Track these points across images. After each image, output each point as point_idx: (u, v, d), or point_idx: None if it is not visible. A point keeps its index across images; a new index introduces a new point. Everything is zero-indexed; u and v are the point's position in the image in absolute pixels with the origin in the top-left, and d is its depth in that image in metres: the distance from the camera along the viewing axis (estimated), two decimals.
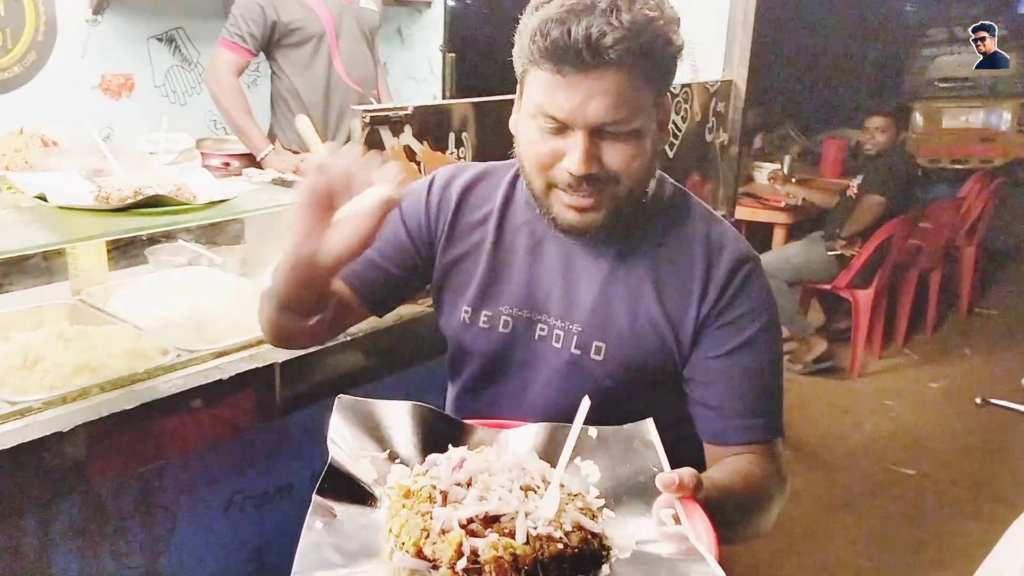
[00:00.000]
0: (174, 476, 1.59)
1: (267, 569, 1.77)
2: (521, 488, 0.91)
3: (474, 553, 0.82)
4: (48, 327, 1.63)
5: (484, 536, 0.84)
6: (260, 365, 1.61)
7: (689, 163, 2.80)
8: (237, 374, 1.58)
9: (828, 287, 4.47)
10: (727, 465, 1.14)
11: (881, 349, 4.72)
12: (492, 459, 0.97)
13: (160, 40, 3.80)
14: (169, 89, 3.87)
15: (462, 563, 0.82)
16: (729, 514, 1.00)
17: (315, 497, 0.91)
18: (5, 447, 1.31)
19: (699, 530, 0.89)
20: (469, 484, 0.91)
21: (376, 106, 1.84)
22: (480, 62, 3.67)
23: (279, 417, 1.67)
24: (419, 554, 0.84)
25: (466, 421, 1.10)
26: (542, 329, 1.21)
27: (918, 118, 6.82)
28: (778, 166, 5.22)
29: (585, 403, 0.96)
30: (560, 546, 0.85)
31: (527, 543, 0.84)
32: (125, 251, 2.01)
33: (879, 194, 4.27)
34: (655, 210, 1.21)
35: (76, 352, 1.53)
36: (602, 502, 0.97)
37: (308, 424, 1.72)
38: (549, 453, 1.02)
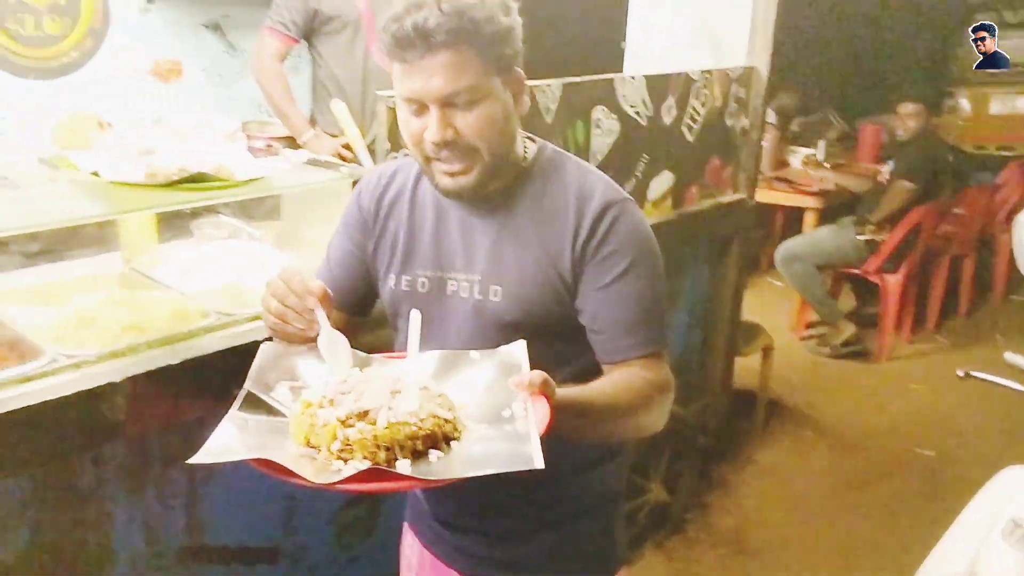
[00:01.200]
0: (214, 428, 1.74)
1: (296, 516, 1.93)
2: (391, 393, 1.11)
3: (346, 440, 1.05)
4: (101, 291, 1.79)
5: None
6: None
7: (709, 147, 2.89)
8: (270, 336, 1.73)
9: (858, 272, 4.51)
10: (607, 377, 1.34)
11: (911, 334, 4.75)
12: (373, 375, 1.18)
13: (208, 27, 3.97)
14: (216, 74, 4.04)
15: (336, 446, 1.05)
16: (601, 412, 1.24)
17: (230, 412, 1.17)
18: (63, 395, 1.48)
19: (539, 417, 1.08)
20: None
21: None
22: None
23: None
24: (307, 444, 1.07)
25: (373, 355, 1.32)
26: (452, 284, 1.40)
27: (964, 104, 6.76)
28: (813, 151, 5.25)
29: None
30: (414, 428, 1.06)
31: (386, 428, 1.05)
32: (172, 224, 2.17)
33: (909, 180, 4.29)
34: (533, 172, 1.40)
35: (126, 313, 1.69)
36: (466, 404, 1.18)
37: None
38: (440, 376, 1.24)
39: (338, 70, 3.30)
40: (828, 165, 5.17)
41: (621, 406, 1.28)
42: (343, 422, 1.07)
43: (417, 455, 1.06)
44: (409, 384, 1.13)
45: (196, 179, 1.69)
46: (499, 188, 1.36)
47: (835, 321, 4.52)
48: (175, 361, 1.61)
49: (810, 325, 4.75)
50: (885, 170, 4.49)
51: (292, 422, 1.14)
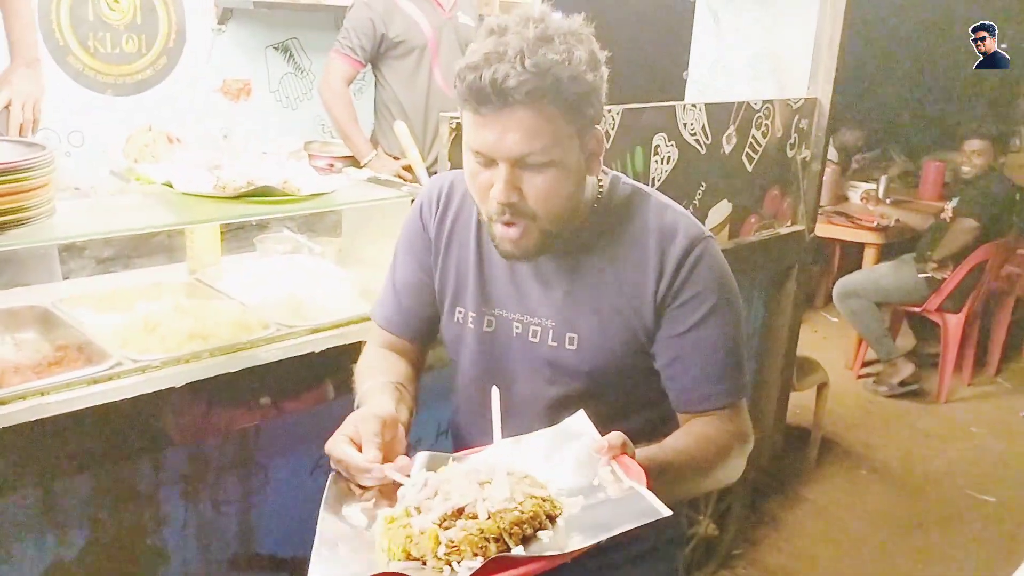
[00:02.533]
0: (268, 437, 1.77)
1: None
2: (479, 484, 1.07)
3: (451, 541, 0.99)
4: (166, 299, 1.85)
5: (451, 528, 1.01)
6: (348, 342, 1.78)
7: (769, 178, 2.87)
8: (327, 349, 1.76)
9: (918, 310, 4.42)
10: (686, 429, 1.29)
11: (972, 376, 4.64)
12: (452, 473, 1.12)
13: (276, 49, 4.10)
14: (283, 95, 4.15)
15: (442, 550, 0.99)
16: (681, 469, 1.18)
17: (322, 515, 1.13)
18: (127, 397, 1.52)
19: (634, 475, 1.05)
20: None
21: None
22: None
23: None
24: (408, 557, 1.01)
25: (443, 454, 1.23)
26: (518, 327, 1.35)
27: None
28: (873, 186, 5.19)
29: (495, 394, 1.20)
30: (516, 513, 1.01)
31: (488, 519, 1.00)
32: (236, 238, 2.23)
33: (973, 218, 4.21)
34: (612, 210, 1.33)
35: (190, 321, 1.73)
36: (548, 479, 1.12)
37: None
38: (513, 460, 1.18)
39: (402, 93, 3.37)
40: (888, 201, 5.10)
41: (701, 463, 1.22)
42: (441, 525, 1.02)
43: (526, 539, 1.02)
44: (497, 471, 1.08)
45: (263, 192, 1.74)
46: (571, 229, 1.29)
47: (893, 359, 4.43)
48: (234, 369, 1.65)
49: (867, 363, 4.66)
50: (948, 207, 4.40)
51: (381, 540, 1.06)
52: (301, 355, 1.73)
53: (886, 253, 4.73)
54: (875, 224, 4.72)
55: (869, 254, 4.76)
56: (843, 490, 3.51)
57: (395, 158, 3.30)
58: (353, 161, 3.25)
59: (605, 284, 1.30)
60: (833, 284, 4.60)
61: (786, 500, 3.38)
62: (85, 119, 3.45)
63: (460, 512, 1.03)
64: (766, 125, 2.77)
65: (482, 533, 0.99)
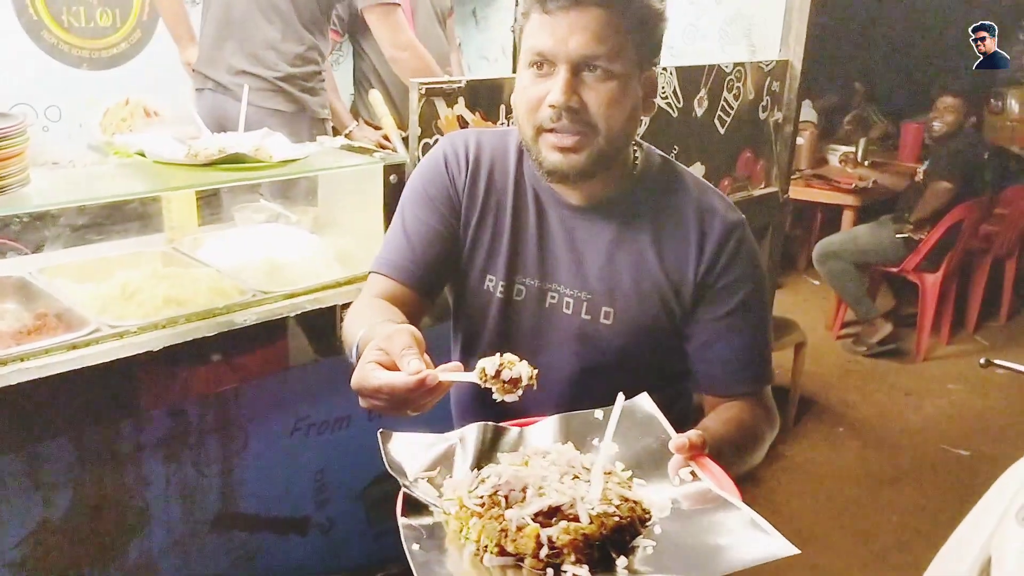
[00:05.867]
0: (248, 400, 1.81)
1: (326, 490, 1.99)
2: (572, 479, 1.03)
3: (550, 540, 0.93)
4: (144, 267, 1.88)
5: (551, 526, 0.95)
6: (323, 307, 1.82)
7: (741, 140, 2.90)
8: (303, 313, 1.80)
9: (896, 270, 4.48)
10: (721, 414, 1.26)
11: (950, 335, 4.70)
12: (533, 461, 1.07)
13: None
14: None
15: (544, 551, 0.93)
16: (726, 457, 1.12)
17: (401, 521, 0.99)
18: (105, 361, 1.55)
19: (720, 481, 1.03)
20: (524, 490, 1.02)
21: (431, 78, 2.02)
22: None
23: (338, 354, 1.87)
24: (502, 552, 0.95)
25: (497, 424, 1.17)
26: (552, 297, 1.30)
27: (1013, 104, 6.65)
28: (852, 149, 5.22)
29: (620, 398, 1.09)
30: (617, 519, 0.97)
31: (591, 523, 0.96)
32: (213, 208, 2.25)
33: (946, 179, 4.24)
34: (646, 180, 1.30)
35: (167, 288, 1.76)
36: (630, 473, 1.10)
37: None
38: (566, 440, 1.15)
39: (380, 63, 3.38)
40: (866, 163, 5.14)
41: (740, 449, 1.21)
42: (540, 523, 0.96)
43: (628, 549, 0.96)
44: (595, 470, 1.04)
45: (234, 160, 1.76)
46: (609, 195, 1.27)
47: (871, 319, 4.49)
48: (211, 334, 1.68)
49: (846, 324, 4.72)
50: (920, 170, 4.44)
51: (459, 525, 0.99)
52: (278, 319, 1.77)
53: (865, 215, 4.77)
54: (853, 186, 4.76)
55: (847, 216, 4.81)
56: (821, 447, 3.58)
57: (376, 128, 3.32)
58: (336, 132, 3.26)
59: (646, 258, 1.27)
60: (813, 247, 4.65)
61: (765, 457, 3.43)
62: (61, 94, 3.45)
63: (555, 511, 0.97)
64: (738, 88, 2.80)
65: (586, 538, 0.94)
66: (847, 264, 4.43)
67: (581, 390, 1.26)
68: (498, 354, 1.04)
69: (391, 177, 1.92)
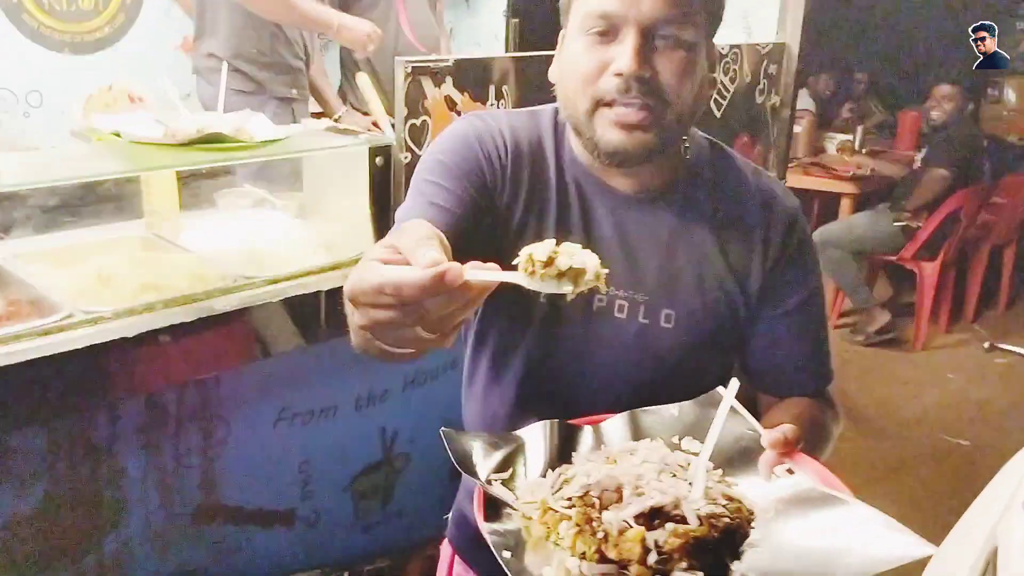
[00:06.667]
0: (229, 388, 1.76)
1: (312, 481, 1.94)
2: (669, 477, 0.94)
3: (657, 545, 0.84)
4: (122, 252, 1.82)
5: (655, 529, 0.86)
6: (307, 292, 1.76)
7: (738, 124, 2.84)
8: (287, 299, 1.74)
9: (894, 259, 4.43)
10: (789, 410, 1.16)
11: (948, 323, 4.66)
12: (620, 457, 0.98)
13: None
14: None
15: (652, 556, 0.83)
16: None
17: (485, 527, 0.89)
18: (78, 347, 1.49)
19: (823, 476, 0.95)
20: (618, 490, 0.92)
21: (418, 57, 1.96)
22: (542, 27, 3.75)
23: (324, 341, 1.82)
24: (602, 559, 0.85)
25: (569, 422, 1.06)
26: (600, 300, 1.14)
27: (1010, 94, 6.61)
28: (850, 137, 5.17)
29: (733, 386, 0.97)
30: (726, 520, 0.88)
31: (700, 524, 0.86)
32: (196, 194, 2.18)
33: (943, 167, 4.20)
34: (699, 165, 1.17)
35: (145, 273, 1.71)
36: (720, 472, 0.99)
37: (351, 350, 1.86)
38: (637, 439, 1.05)
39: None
40: (864, 151, 5.09)
41: (811, 447, 1.08)
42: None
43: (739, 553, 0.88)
44: (698, 468, 0.94)
45: (213, 139, 1.70)
46: (663, 183, 1.13)
47: (869, 308, 4.45)
48: (189, 319, 1.62)
49: (844, 313, 4.68)
50: (918, 157, 4.40)
51: (551, 530, 0.89)
52: (261, 305, 1.71)
53: (862, 203, 4.73)
54: (851, 174, 4.71)
55: (845, 204, 4.76)
56: None
57: (365, 114, 3.25)
58: (324, 117, 3.20)
59: (708, 253, 1.14)
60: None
61: None
62: (43, 79, 3.38)
63: (657, 511, 0.87)
64: (734, 70, 2.74)
65: (696, 541, 0.85)
66: (844, 253, 4.39)
67: (635, 402, 1.12)
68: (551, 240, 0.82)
69: (377, 160, 1.86)
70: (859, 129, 5.23)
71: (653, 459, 0.96)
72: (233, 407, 1.77)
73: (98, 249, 1.89)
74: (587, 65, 1.04)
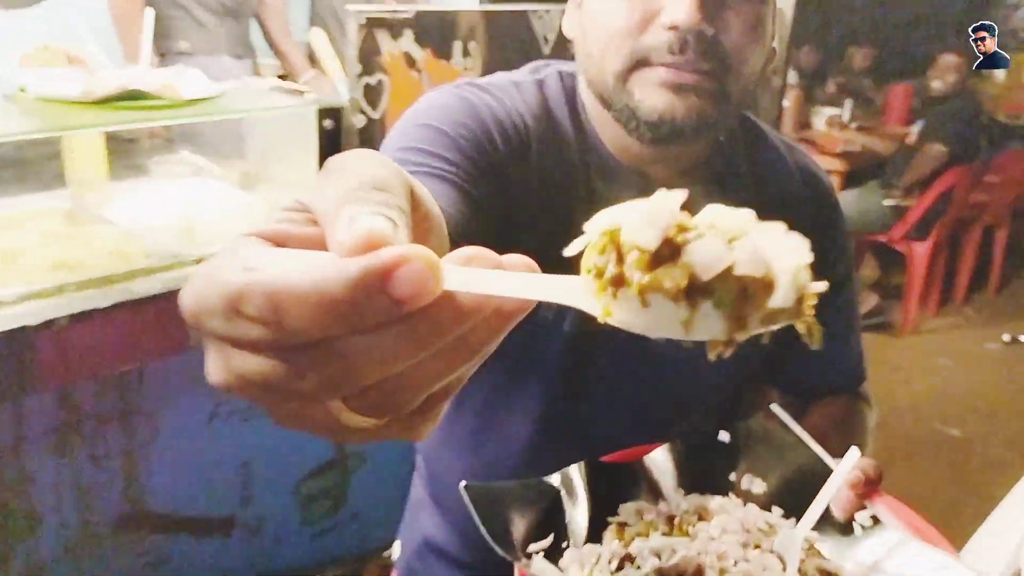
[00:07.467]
0: (155, 382, 1.55)
1: (253, 485, 1.73)
2: (753, 547, 0.81)
3: None
4: (33, 226, 1.60)
5: None
6: None
7: None
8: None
9: (882, 239, 4.27)
10: (831, 414, 1.05)
11: (939, 306, 4.51)
12: (705, 529, 0.83)
13: None
14: None
15: None
16: None
17: None
18: None
19: (915, 524, 0.82)
20: (698, 571, 0.79)
21: (374, 7, 1.74)
22: None
23: None
24: None
25: (604, 462, 0.88)
26: None
27: (998, 72, 6.47)
28: (838, 111, 5.00)
29: (853, 454, 0.83)
30: None
31: None
32: (129, 162, 1.97)
33: (941, 142, 4.03)
34: (733, 142, 0.98)
35: (58, 250, 1.50)
36: (793, 523, 0.84)
37: None
38: (683, 474, 0.90)
39: (339, 2, 3.09)
40: (854, 126, 4.91)
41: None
42: None
43: None
44: (793, 542, 0.80)
45: (135, 96, 1.49)
46: (698, 164, 0.93)
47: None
48: (107, 304, 1.41)
49: None
50: (914, 131, 4.23)
51: None
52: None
53: (851, 181, 4.55)
54: (840, 151, 4.54)
55: (834, 182, 4.58)
56: None
57: None
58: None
59: None
60: None
61: None
62: None
63: None
64: None
65: None
66: None
67: (661, 422, 0.97)
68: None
69: (325, 122, 1.66)
70: (847, 103, 5.06)
71: (732, 527, 0.81)
72: (160, 403, 1.57)
73: (10, 223, 1.67)
74: (627, 18, 0.81)
